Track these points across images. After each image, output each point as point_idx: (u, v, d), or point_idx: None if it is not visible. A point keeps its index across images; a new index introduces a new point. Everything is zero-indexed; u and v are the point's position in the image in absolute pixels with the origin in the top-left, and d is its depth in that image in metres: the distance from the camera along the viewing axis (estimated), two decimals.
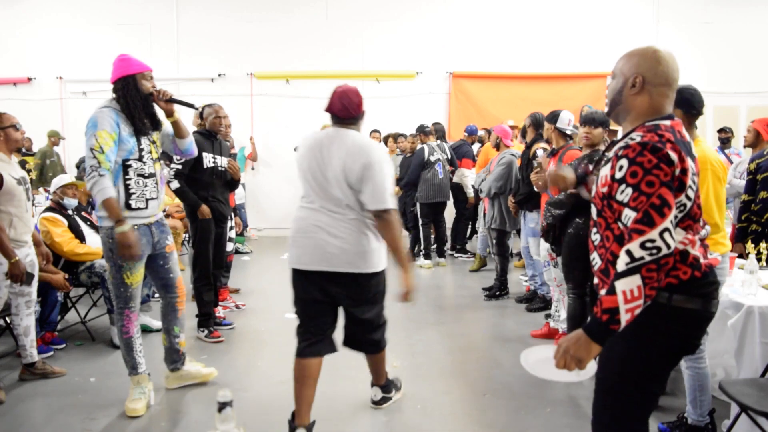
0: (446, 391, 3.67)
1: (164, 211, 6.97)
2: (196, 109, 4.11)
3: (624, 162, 1.74)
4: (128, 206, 3.21)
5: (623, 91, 1.89)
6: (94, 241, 4.64)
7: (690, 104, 2.84)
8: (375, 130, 8.57)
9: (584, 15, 9.92)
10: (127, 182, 3.20)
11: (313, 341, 2.99)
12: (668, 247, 1.66)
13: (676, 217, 1.76)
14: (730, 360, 3.08)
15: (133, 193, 3.22)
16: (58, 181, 4.58)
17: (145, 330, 4.67)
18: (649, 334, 1.82)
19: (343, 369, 4.00)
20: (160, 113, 3.39)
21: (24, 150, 9.81)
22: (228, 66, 10.06)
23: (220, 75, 10.07)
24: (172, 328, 3.58)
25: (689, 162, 1.75)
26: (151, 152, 3.30)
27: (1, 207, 3.43)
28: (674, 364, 1.92)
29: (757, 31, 9.74)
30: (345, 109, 3.01)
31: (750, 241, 4.02)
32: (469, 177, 7.56)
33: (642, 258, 1.65)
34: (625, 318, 1.66)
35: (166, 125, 3.47)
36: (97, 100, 11.49)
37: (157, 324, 4.72)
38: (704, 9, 9.82)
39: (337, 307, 3.02)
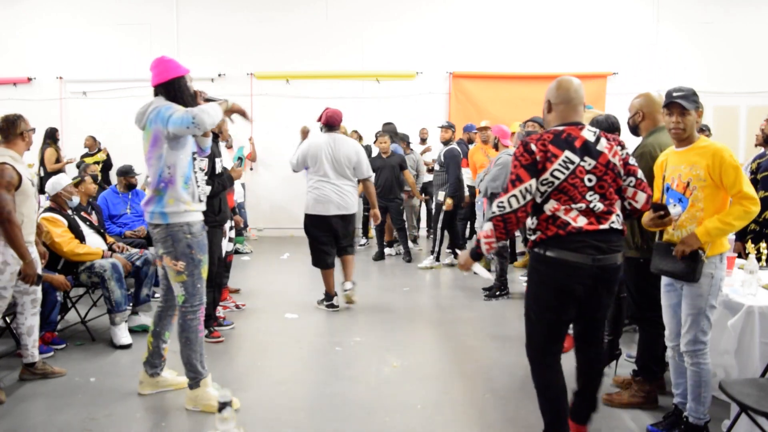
0: (446, 391, 3.67)
1: None
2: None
3: None
4: (200, 199, 3.27)
5: (543, 114, 2.77)
6: (93, 241, 4.64)
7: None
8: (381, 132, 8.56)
9: (584, 15, 9.91)
10: (195, 174, 3.28)
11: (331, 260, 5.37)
12: (510, 207, 2.50)
13: (545, 191, 2.52)
14: (730, 360, 3.08)
15: (199, 186, 3.30)
16: (57, 184, 4.56)
17: (146, 330, 4.67)
18: (536, 276, 2.66)
19: (343, 369, 4.01)
20: None
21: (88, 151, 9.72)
22: (228, 66, 10.06)
23: (220, 75, 10.07)
24: (163, 333, 3.52)
25: (562, 154, 2.51)
26: None
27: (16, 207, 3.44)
28: (564, 300, 2.58)
29: (757, 31, 9.73)
30: (337, 122, 5.33)
31: (750, 240, 4.02)
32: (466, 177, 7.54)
33: (494, 212, 2.54)
34: (483, 247, 2.59)
35: None
36: (97, 100, 11.51)
37: None
38: (704, 9, 9.81)
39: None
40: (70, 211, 4.62)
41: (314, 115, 10.90)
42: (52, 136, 8.98)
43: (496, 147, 6.12)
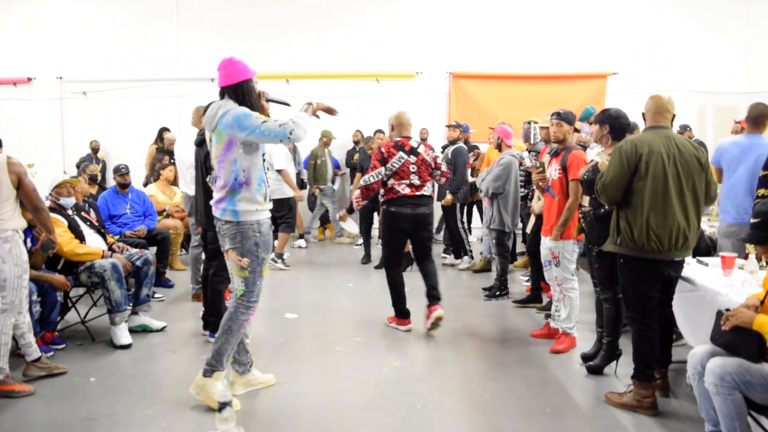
0: (446, 391, 3.67)
1: (164, 210, 7.00)
2: (289, 105, 3.85)
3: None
4: (269, 199, 3.31)
5: (390, 131, 4.82)
6: (93, 241, 4.64)
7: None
8: (379, 130, 8.55)
9: (584, 15, 9.90)
10: (266, 174, 3.33)
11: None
12: (370, 181, 4.56)
13: (388, 174, 4.57)
14: None
15: (270, 186, 3.35)
16: (51, 183, 4.57)
17: (146, 330, 4.68)
18: (386, 222, 4.73)
19: (343, 369, 4.00)
20: None
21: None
22: None
23: None
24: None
25: (398, 154, 4.58)
26: None
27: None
28: (399, 234, 4.72)
29: (758, 30, 9.73)
30: None
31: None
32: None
33: (362, 183, 4.61)
34: (354, 204, 4.72)
35: None
36: (97, 100, 11.40)
37: (157, 324, 4.73)
38: (704, 9, 9.81)
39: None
40: (69, 211, 4.61)
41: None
42: (160, 135, 9.00)
43: (499, 147, 6.12)
